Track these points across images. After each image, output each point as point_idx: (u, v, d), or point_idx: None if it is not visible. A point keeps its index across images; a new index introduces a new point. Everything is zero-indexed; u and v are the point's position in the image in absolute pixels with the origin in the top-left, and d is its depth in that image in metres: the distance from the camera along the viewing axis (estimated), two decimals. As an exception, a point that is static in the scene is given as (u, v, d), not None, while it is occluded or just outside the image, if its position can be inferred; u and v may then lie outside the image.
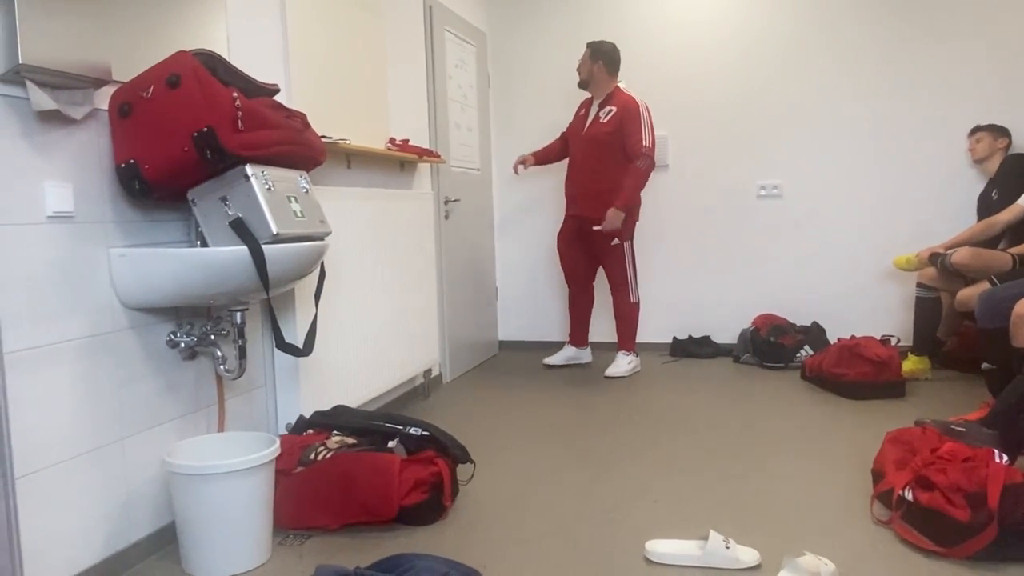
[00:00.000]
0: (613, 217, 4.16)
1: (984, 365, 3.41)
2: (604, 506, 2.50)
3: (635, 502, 2.52)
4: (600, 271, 4.53)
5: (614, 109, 4.26)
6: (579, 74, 4.39)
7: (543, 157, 4.62)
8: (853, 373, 3.78)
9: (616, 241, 4.34)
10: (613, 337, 4.59)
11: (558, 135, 4.64)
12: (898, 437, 2.52)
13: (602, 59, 4.30)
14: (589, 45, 4.36)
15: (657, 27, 4.92)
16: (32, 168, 1.84)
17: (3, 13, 1.71)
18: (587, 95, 4.47)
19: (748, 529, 2.27)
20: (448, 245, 4.35)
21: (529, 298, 5.26)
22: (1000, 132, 4.23)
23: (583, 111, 4.45)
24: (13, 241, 1.79)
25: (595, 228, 4.27)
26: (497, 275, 5.28)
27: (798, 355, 4.44)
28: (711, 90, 4.87)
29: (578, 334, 4.66)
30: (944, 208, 4.51)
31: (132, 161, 2.01)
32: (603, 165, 4.27)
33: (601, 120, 4.28)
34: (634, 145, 4.16)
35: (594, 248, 4.41)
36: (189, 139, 1.97)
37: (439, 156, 4.05)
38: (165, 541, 2.21)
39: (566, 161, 4.53)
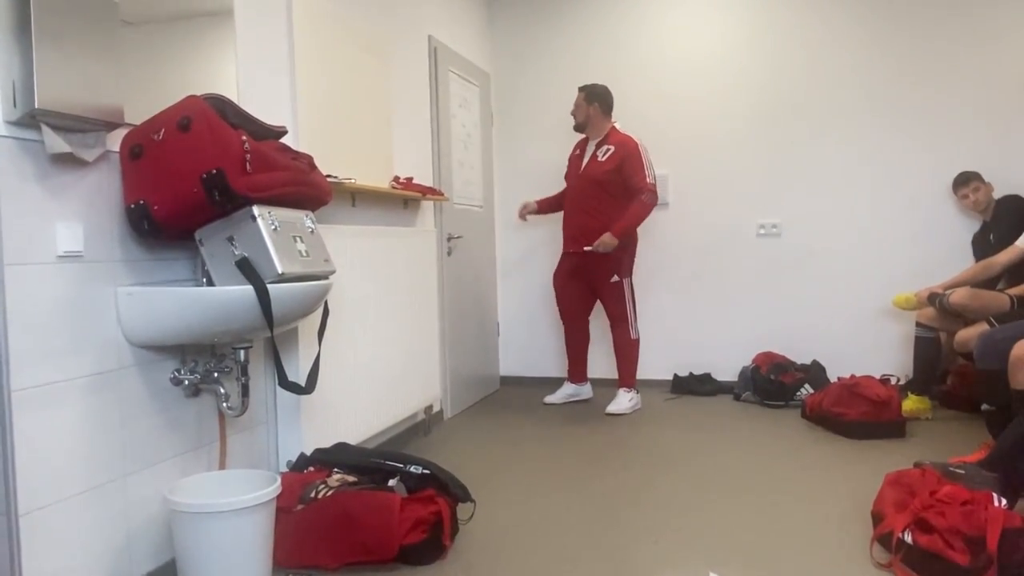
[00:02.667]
0: (608, 240, 4.21)
1: (983, 406, 3.43)
2: (605, 546, 2.49)
3: (636, 542, 2.52)
4: (597, 307, 4.57)
5: (612, 148, 4.34)
6: (575, 118, 4.45)
7: (546, 207, 4.66)
8: (853, 413, 3.79)
9: (616, 278, 4.38)
10: (612, 373, 4.62)
11: (562, 185, 4.67)
12: (897, 479, 2.52)
13: (597, 101, 4.40)
14: (582, 89, 4.44)
15: (658, 67, 5.01)
16: (45, 209, 1.88)
17: (21, 59, 1.76)
18: (581, 136, 4.55)
19: (748, 570, 2.27)
20: (450, 281, 4.39)
21: (531, 334, 5.29)
22: (983, 180, 4.27)
23: (578, 152, 4.52)
24: (24, 280, 1.82)
25: (586, 248, 4.31)
26: (499, 311, 5.31)
27: (798, 393, 4.44)
28: (711, 130, 4.94)
29: (576, 370, 4.68)
30: (943, 247, 4.55)
31: (142, 202, 2.06)
32: (600, 203, 4.33)
33: (599, 159, 4.35)
34: (638, 183, 4.24)
35: (594, 284, 4.45)
36: (198, 181, 2.01)
37: (442, 194, 4.11)
38: (165, 579, 2.21)
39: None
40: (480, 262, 4.94)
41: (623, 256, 4.37)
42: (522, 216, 4.68)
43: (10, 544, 1.77)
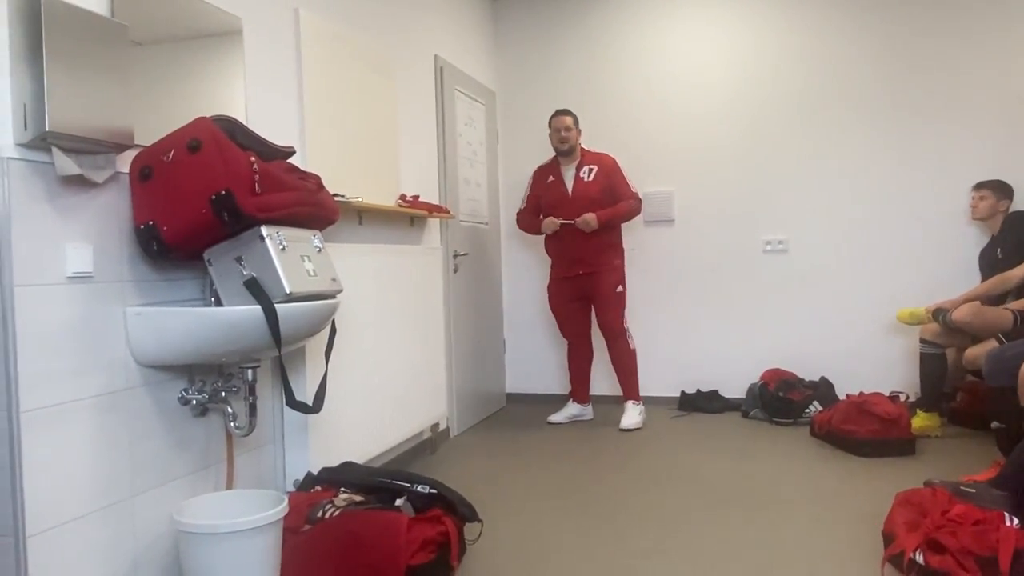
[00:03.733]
0: (590, 219, 4.31)
1: (993, 424, 3.40)
2: (613, 565, 2.48)
3: (643, 561, 2.50)
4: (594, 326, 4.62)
5: (595, 167, 4.45)
6: (567, 141, 4.46)
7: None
8: (862, 430, 3.76)
9: (620, 288, 4.47)
10: (611, 390, 4.68)
11: (522, 210, 4.67)
12: (908, 499, 2.50)
13: (577, 122, 4.50)
14: (569, 113, 4.49)
15: (662, 85, 5.02)
16: (54, 230, 1.90)
17: (32, 81, 1.78)
18: (546, 162, 4.60)
19: (758, 592, 2.25)
20: (456, 299, 4.39)
21: (536, 351, 5.28)
22: (1003, 193, 4.23)
23: (552, 178, 4.53)
24: (34, 301, 1.83)
25: (564, 221, 4.36)
26: (505, 328, 5.30)
27: (807, 411, 4.42)
28: (717, 146, 4.95)
29: (581, 390, 4.67)
30: (950, 263, 4.53)
31: (151, 223, 2.07)
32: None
33: (586, 180, 4.44)
34: (626, 193, 4.42)
35: (597, 298, 4.48)
36: (207, 202, 2.02)
37: (448, 212, 4.12)
38: (171, 600, 2.20)
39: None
40: (486, 279, 4.95)
41: (622, 266, 4.51)
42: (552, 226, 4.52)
43: (17, 566, 1.77)
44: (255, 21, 2.70)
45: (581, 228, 4.34)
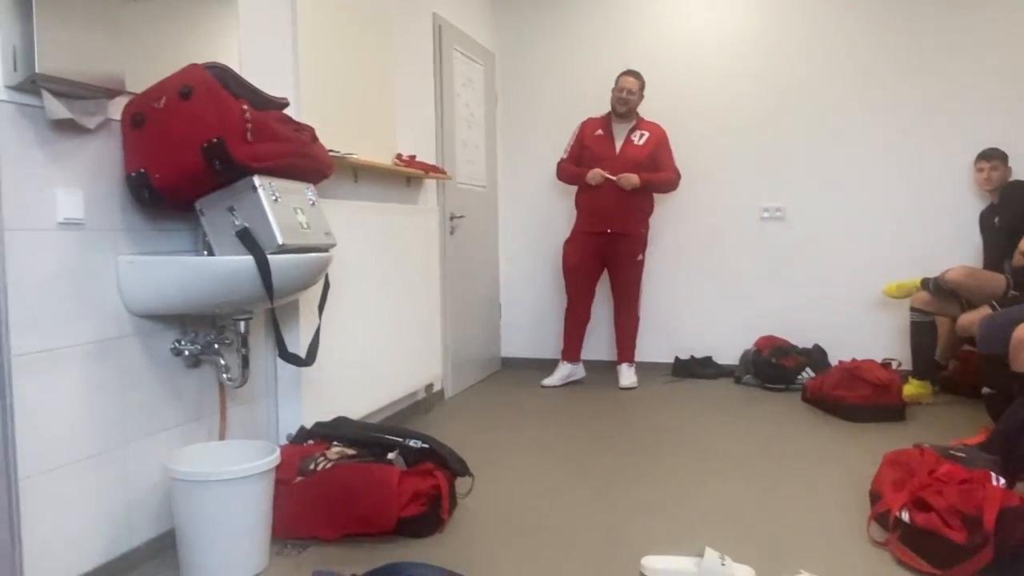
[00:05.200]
0: (632, 178, 4.37)
1: (984, 390, 3.42)
2: (602, 522, 2.50)
3: (633, 519, 2.53)
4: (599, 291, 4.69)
5: (647, 134, 4.52)
6: (628, 103, 4.45)
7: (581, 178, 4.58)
8: (853, 396, 3.79)
9: (641, 257, 4.58)
10: (603, 355, 4.87)
11: (564, 159, 4.65)
12: (896, 459, 2.52)
13: (643, 88, 4.51)
14: (636, 75, 4.49)
15: (662, 49, 4.97)
16: (45, 175, 1.88)
17: (21, 24, 1.75)
18: (599, 116, 4.59)
19: (744, 547, 2.27)
20: (452, 261, 4.38)
21: (533, 316, 5.28)
22: (1005, 162, 4.22)
23: (601, 133, 4.52)
24: (25, 246, 1.82)
25: (610, 176, 4.39)
26: (501, 292, 5.30)
27: (799, 377, 4.44)
28: (716, 113, 4.91)
29: (575, 349, 4.72)
30: (947, 232, 4.53)
31: (143, 170, 2.05)
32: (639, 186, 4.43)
33: (636, 143, 4.49)
34: (669, 167, 4.54)
35: (617, 263, 4.56)
36: (199, 150, 2.00)
37: (445, 172, 4.10)
38: (164, 547, 2.22)
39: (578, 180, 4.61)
40: (482, 242, 4.93)
41: (646, 235, 4.59)
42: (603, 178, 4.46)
43: (9, 508, 1.78)
44: (249, -30, 2.66)
45: (622, 185, 4.38)
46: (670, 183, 4.55)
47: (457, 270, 4.46)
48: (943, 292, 3.87)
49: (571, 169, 4.60)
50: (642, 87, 4.50)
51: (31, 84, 1.79)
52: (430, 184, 4.18)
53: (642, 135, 4.51)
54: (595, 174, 4.42)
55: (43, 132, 1.88)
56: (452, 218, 4.39)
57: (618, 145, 4.49)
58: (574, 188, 4.68)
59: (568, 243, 4.65)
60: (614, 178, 4.39)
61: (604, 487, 2.84)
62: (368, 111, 3.45)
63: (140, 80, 2.08)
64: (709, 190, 4.94)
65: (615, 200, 4.44)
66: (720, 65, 4.89)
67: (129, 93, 2.05)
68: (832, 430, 3.60)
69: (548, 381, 4.66)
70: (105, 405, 2.05)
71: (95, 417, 2.02)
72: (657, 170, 4.49)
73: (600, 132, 4.54)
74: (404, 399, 3.75)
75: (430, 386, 4.03)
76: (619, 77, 4.50)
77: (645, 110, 4.63)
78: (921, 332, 4.03)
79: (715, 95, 4.91)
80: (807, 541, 2.33)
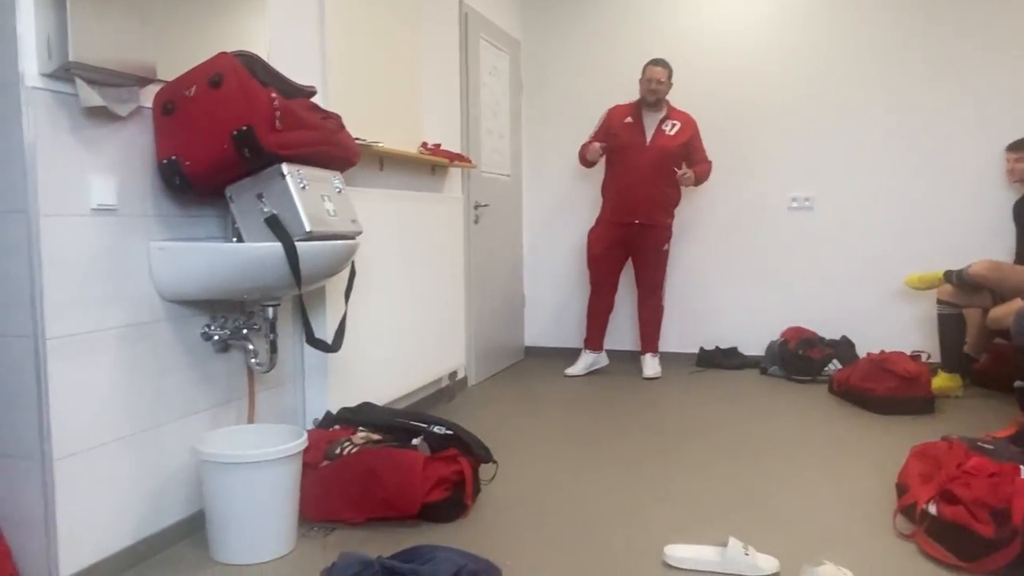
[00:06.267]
0: (691, 176, 4.41)
1: (1017, 383, 3.37)
2: (625, 510, 2.51)
3: (657, 507, 2.53)
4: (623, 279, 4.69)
5: (678, 124, 4.49)
6: (659, 92, 4.42)
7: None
8: (882, 388, 3.75)
9: (666, 246, 4.55)
10: (626, 345, 4.89)
11: (591, 143, 4.56)
12: (923, 451, 2.50)
13: (671, 75, 4.48)
14: (664, 64, 4.44)
15: (691, 37, 4.93)
16: (79, 162, 1.92)
17: (55, 13, 1.78)
18: (627, 104, 4.56)
19: (768, 537, 2.27)
20: (477, 249, 4.39)
21: (556, 305, 5.28)
22: None
23: (631, 120, 4.48)
24: (59, 231, 1.86)
25: (678, 171, 4.41)
26: (525, 281, 5.31)
27: (826, 369, 4.40)
28: (744, 101, 4.86)
29: (598, 338, 4.71)
30: (978, 223, 4.46)
31: (173, 158, 2.08)
32: (668, 176, 4.45)
33: (668, 133, 4.46)
34: (703, 158, 4.54)
35: (643, 253, 4.54)
36: (229, 137, 2.03)
37: (470, 161, 4.10)
38: (194, 528, 2.26)
39: (604, 167, 4.62)
40: (506, 231, 4.94)
41: (672, 225, 4.58)
42: (599, 150, 4.46)
43: (44, 487, 1.83)
44: (278, -41, 2.68)
45: (682, 183, 4.41)
46: (707, 174, 4.55)
47: (481, 258, 4.47)
48: (967, 286, 3.81)
49: (585, 145, 4.53)
50: (670, 75, 4.46)
51: (65, 72, 1.83)
52: (455, 173, 4.19)
53: (674, 125, 4.47)
54: (594, 150, 4.41)
55: (77, 119, 1.91)
56: (476, 207, 4.39)
57: (649, 135, 4.45)
58: (598, 176, 4.66)
59: (593, 231, 4.63)
60: (681, 172, 4.39)
61: (627, 475, 2.84)
62: (394, 99, 3.46)
63: (171, 68, 2.10)
64: (738, 179, 4.90)
65: (644, 190, 4.42)
66: (749, 55, 4.84)
67: (160, 81, 2.07)
68: (859, 422, 3.57)
69: (571, 371, 4.66)
70: (137, 388, 2.09)
71: (127, 400, 2.06)
72: (692, 160, 4.48)
73: (630, 120, 4.49)
74: (428, 386, 3.78)
75: (454, 374, 4.06)
76: (646, 67, 4.46)
77: (676, 98, 4.59)
78: (948, 325, 3.98)
79: (744, 85, 4.85)
80: (832, 532, 2.32)
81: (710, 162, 4.54)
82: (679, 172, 4.40)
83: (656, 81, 4.40)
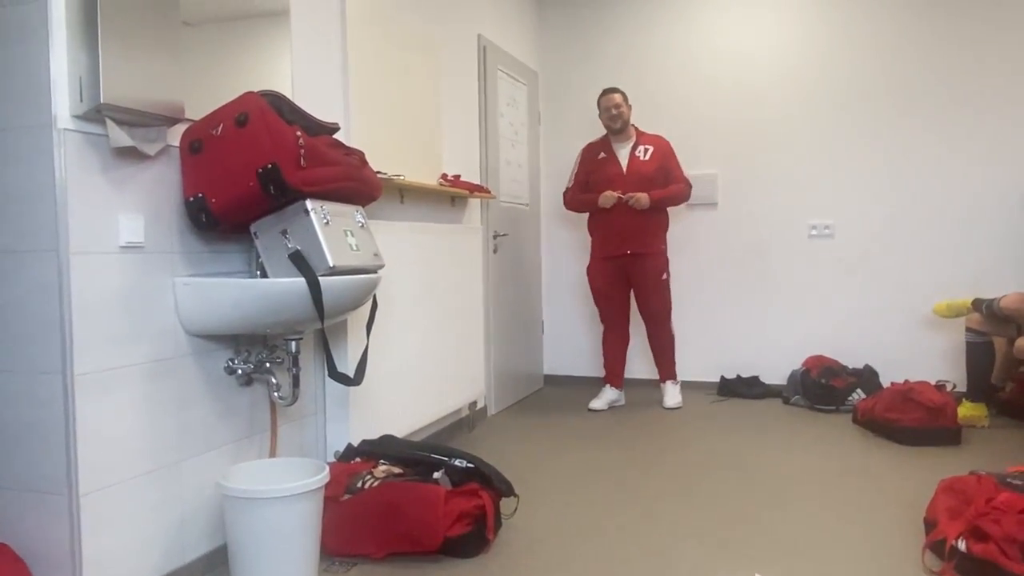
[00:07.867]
0: (643, 198, 4.28)
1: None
2: (649, 545, 2.48)
3: (680, 542, 2.50)
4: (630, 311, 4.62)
5: (651, 148, 4.43)
6: (619, 120, 4.40)
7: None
8: (907, 419, 3.69)
9: (665, 275, 4.46)
10: (646, 374, 4.82)
11: (569, 188, 4.59)
12: (952, 486, 2.46)
13: (629, 102, 4.46)
14: (617, 91, 4.43)
15: (708, 66, 4.95)
16: (108, 201, 1.95)
17: (88, 54, 1.83)
18: (598, 138, 4.55)
19: (795, 573, 2.23)
20: (496, 279, 4.41)
21: (575, 333, 5.28)
22: None
23: (603, 154, 4.47)
24: (88, 269, 1.89)
25: (623, 196, 4.30)
26: (543, 309, 5.31)
27: (850, 398, 4.35)
28: (763, 129, 4.87)
29: (618, 374, 4.63)
30: (999, 253, 4.41)
31: (200, 195, 2.12)
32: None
33: (642, 159, 4.40)
34: (680, 178, 4.44)
35: (642, 283, 4.46)
36: (254, 175, 2.06)
37: (489, 192, 4.14)
38: (217, 562, 2.27)
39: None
40: (525, 260, 4.96)
41: (666, 251, 4.50)
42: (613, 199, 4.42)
43: (71, 522, 1.84)
44: (302, 2, 2.73)
45: (633, 206, 4.30)
46: (681, 195, 4.43)
47: (500, 287, 4.48)
48: (996, 318, 3.76)
49: (580, 196, 4.53)
50: (625, 99, 4.42)
51: (96, 113, 1.87)
52: (474, 203, 4.22)
53: (647, 149, 4.41)
54: (607, 197, 4.34)
55: (106, 159, 1.95)
56: (495, 236, 4.42)
57: (624, 164, 4.41)
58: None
59: (590, 269, 4.59)
60: (625, 197, 4.30)
61: (651, 509, 2.82)
62: (414, 133, 3.50)
63: (199, 107, 2.15)
64: (757, 206, 4.89)
65: (629, 220, 4.36)
66: (768, 82, 4.86)
67: (188, 120, 2.12)
68: (884, 454, 3.52)
69: (594, 404, 4.57)
70: (162, 423, 2.11)
71: (153, 434, 2.07)
72: (667, 182, 4.39)
73: (603, 155, 4.47)
74: (448, 416, 3.77)
75: (473, 404, 4.06)
76: (600, 99, 4.45)
77: (695, 125, 4.61)
78: (977, 353, 3.92)
79: (762, 111, 4.87)
80: (859, 568, 2.28)
81: (687, 182, 4.43)
82: (623, 196, 4.29)
83: (614, 107, 4.38)
